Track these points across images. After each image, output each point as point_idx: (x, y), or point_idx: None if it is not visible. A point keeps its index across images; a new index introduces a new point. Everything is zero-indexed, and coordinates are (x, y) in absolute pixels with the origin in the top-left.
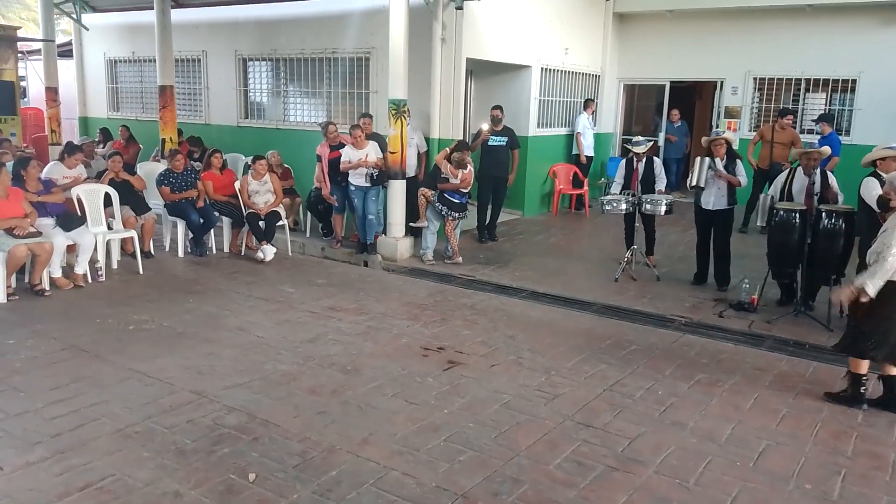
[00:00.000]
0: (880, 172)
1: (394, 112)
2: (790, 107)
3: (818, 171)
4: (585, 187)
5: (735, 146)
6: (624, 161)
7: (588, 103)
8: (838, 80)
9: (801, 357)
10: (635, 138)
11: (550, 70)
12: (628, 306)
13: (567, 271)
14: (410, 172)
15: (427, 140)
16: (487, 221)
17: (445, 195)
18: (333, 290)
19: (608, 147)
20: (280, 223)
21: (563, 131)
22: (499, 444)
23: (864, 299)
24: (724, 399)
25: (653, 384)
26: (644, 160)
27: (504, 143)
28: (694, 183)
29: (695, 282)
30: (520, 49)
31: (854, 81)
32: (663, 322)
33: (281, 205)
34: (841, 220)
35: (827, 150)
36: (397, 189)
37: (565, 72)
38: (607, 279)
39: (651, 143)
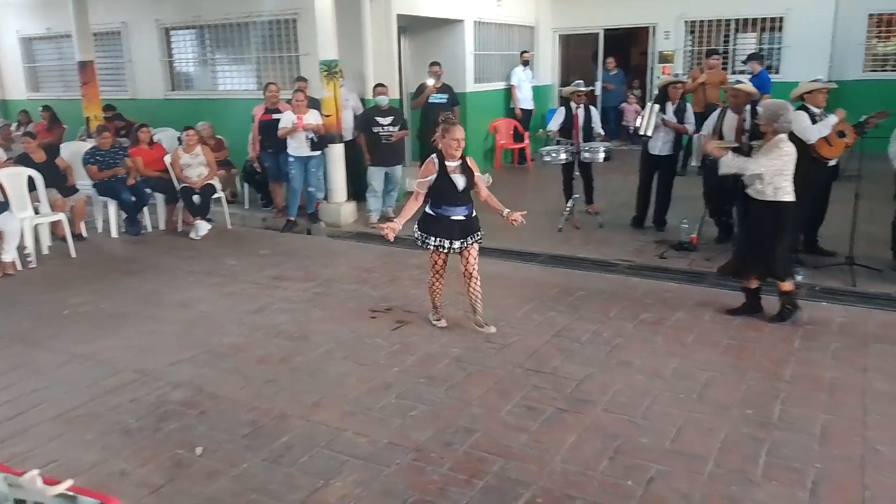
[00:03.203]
0: (807, 105)
1: (325, 73)
2: (719, 48)
3: (748, 108)
4: (526, 141)
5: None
6: (563, 109)
7: (523, 55)
8: (766, 19)
9: (741, 290)
10: (575, 81)
11: (484, 23)
12: (574, 254)
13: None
14: (348, 136)
15: (363, 101)
16: None
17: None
18: (277, 260)
19: (547, 99)
20: (216, 196)
21: (501, 86)
22: (450, 397)
23: (717, 154)
24: (669, 336)
25: (599, 327)
26: (583, 108)
27: (445, 101)
28: (643, 132)
29: (633, 224)
30: (452, 3)
31: (781, 20)
32: (608, 267)
33: (216, 177)
34: None
35: (750, 86)
36: (336, 153)
37: (499, 25)
38: (552, 230)
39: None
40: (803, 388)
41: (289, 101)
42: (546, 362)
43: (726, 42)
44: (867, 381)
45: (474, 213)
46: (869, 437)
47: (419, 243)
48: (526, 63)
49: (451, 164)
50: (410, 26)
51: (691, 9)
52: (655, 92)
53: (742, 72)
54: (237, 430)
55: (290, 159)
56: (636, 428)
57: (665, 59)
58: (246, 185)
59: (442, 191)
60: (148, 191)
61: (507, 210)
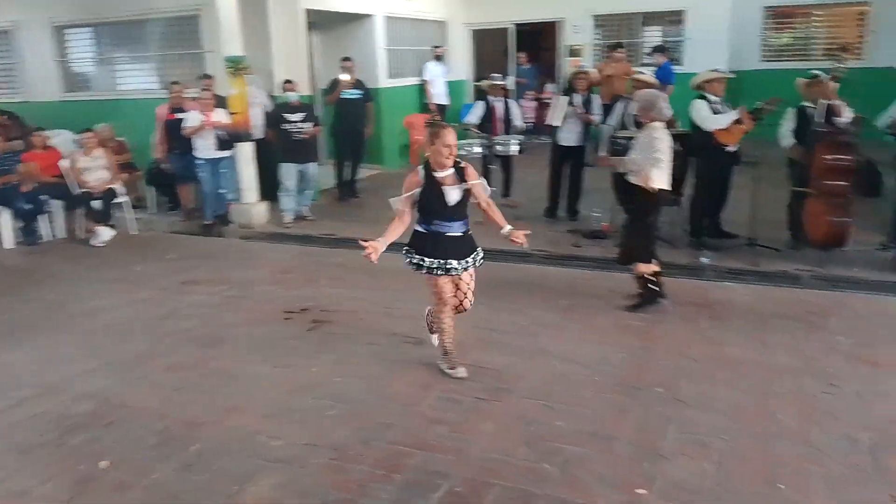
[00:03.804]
0: (705, 94)
1: (231, 70)
2: (625, 41)
3: None
4: None
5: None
6: (481, 102)
7: (436, 50)
8: (670, 12)
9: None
10: (492, 75)
11: (395, 18)
12: (492, 247)
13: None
14: (258, 134)
15: (273, 98)
16: (347, 178)
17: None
18: (187, 265)
19: (462, 94)
20: (119, 201)
21: (415, 81)
22: (369, 394)
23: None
24: (584, 322)
25: (518, 317)
26: (502, 101)
27: (360, 97)
28: (552, 122)
29: (546, 215)
30: None
31: (684, 13)
32: (525, 258)
33: (119, 181)
34: (676, 143)
35: (649, 77)
36: (246, 153)
37: (411, 19)
38: (472, 223)
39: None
40: (710, 366)
41: (195, 100)
42: (465, 354)
43: (635, 35)
44: (769, 355)
45: (470, 231)
46: (771, 409)
47: (413, 267)
48: (439, 58)
49: (441, 174)
50: (320, 21)
51: (599, 3)
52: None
53: (648, 64)
54: (146, 440)
55: (199, 162)
56: (552, 413)
57: (574, 52)
58: (151, 189)
59: (430, 204)
60: (44, 197)
61: (510, 227)
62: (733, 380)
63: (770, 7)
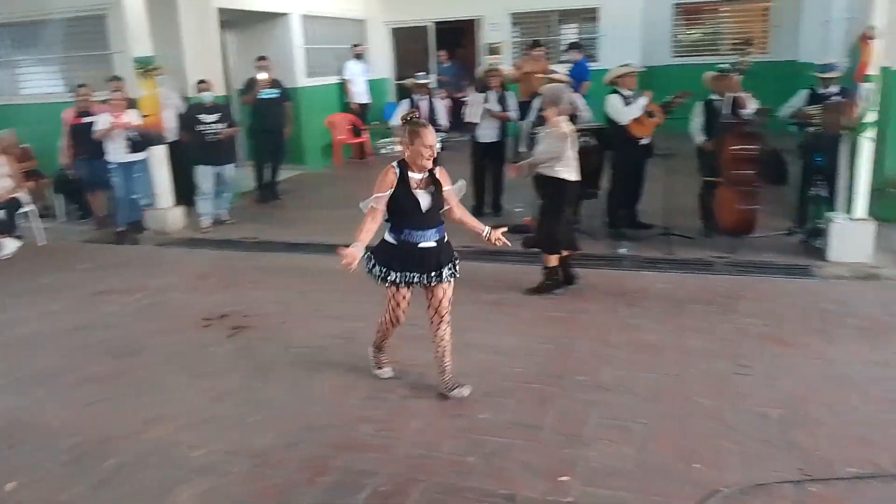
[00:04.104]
0: (619, 89)
1: (141, 71)
2: (540, 39)
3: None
4: (365, 135)
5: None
6: (406, 101)
7: (355, 48)
8: (584, 10)
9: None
10: (418, 74)
11: (312, 17)
12: None
13: (356, 220)
14: (171, 136)
15: (186, 99)
16: (268, 180)
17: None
18: (100, 274)
19: (384, 92)
20: (24, 210)
21: (334, 80)
22: (293, 398)
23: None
24: (508, 314)
25: None
26: (427, 100)
27: (278, 96)
28: (469, 120)
29: (472, 213)
30: None
31: (597, 10)
32: None
33: (23, 190)
34: (592, 137)
35: (562, 75)
36: (159, 156)
37: (328, 18)
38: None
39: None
40: (629, 352)
41: (103, 103)
42: (392, 352)
43: (553, 33)
44: (685, 339)
45: (446, 238)
46: (688, 391)
47: (375, 279)
48: (359, 56)
49: (417, 177)
50: (235, 20)
51: (515, 1)
52: None
53: (565, 61)
54: (58, 458)
55: (111, 166)
56: (478, 405)
57: (494, 50)
58: (60, 197)
59: (403, 210)
60: None
61: (488, 228)
62: (651, 364)
63: (679, 4)
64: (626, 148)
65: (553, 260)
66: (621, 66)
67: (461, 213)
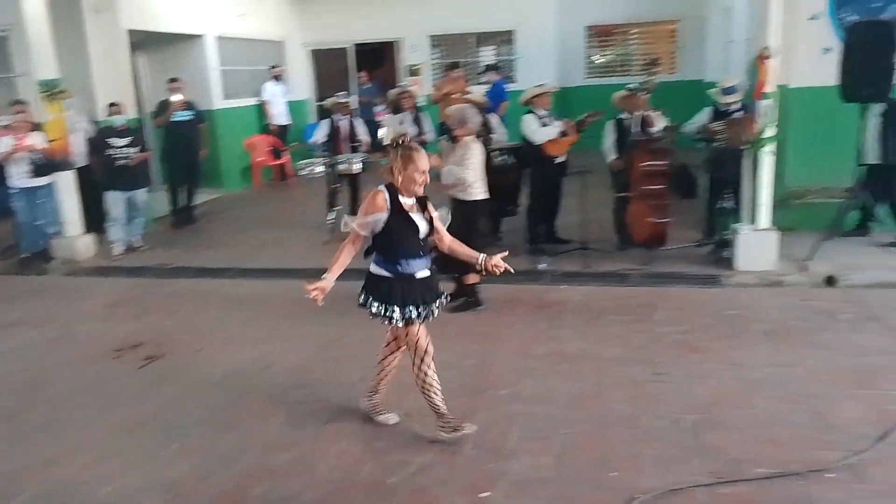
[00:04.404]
0: (534, 109)
1: (46, 95)
2: (461, 60)
3: (482, 115)
4: (286, 156)
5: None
6: (326, 121)
7: (274, 70)
8: (501, 32)
9: (490, 282)
10: (338, 93)
11: (228, 38)
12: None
13: (276, 243)
14: (80, 161)
15: (97, 123)
16: (183, 204)
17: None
18: (4, 306)
19: (304, 113)
20: None
21: (253, 101)
22: (209, 428)
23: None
24: (433, 331)
25: (367, 333)
26: (347, 119)
27: (192, 118)
28: (387, 142)
29: None
30: (189, 18)
31: (514, 33)
32: None
33: None
34: (510, 156)
35: (478, 96)
36: (67, 181)
37: (245, 39)
38: (318, 244)
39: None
40: (549, 363)
41: (6, 128)
42: (311, 375)
43: (472, 55)
44: (602, 349)
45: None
46: (606, 399)
47: (379, 318)
48: (277, 78)
49: (408, 202)
50: (147, 42)
51: (435, 24)
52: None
53: (483, 82)
54: None
55: (13, 191)
56: (399, 425)
57: (414, 71)
58: None
59: (398, 237)
60: None
61: (483, 255)
62: (571, 374)
63: (591, 26)
64: (542, 166)
65: (471, 278)
66: (536, 86)
67: (451, 241)
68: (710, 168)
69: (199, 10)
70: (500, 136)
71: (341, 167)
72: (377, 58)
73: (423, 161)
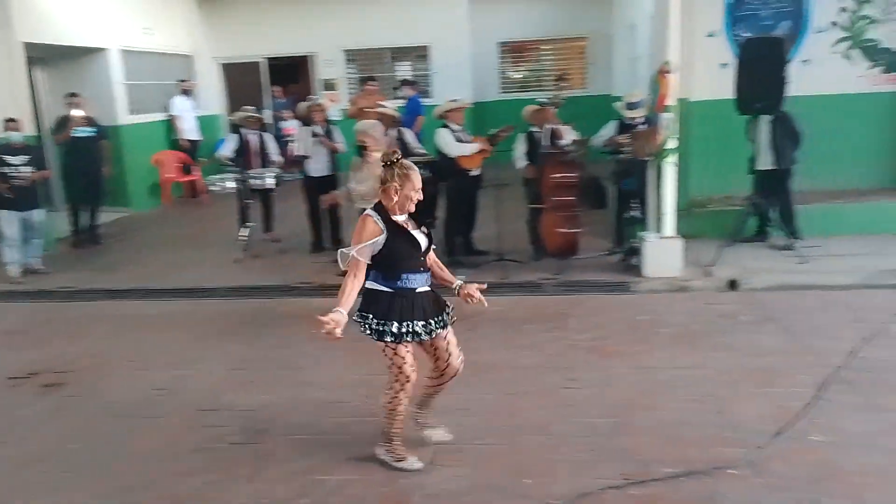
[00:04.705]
0: (448, 124)
1: None
2: (376, 74)
3: (396, 129)
4: (197, 173)
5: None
6: (235, 136)
7: (183, 84)
8: (416, 48)
9: None
10: (245, 108)
11: (133, 52)
12: (254, 283)
13: (187, 262)
14: None
15: None
16: (86, 224)
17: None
18: None
19: (216, 128)
20: None
21: (161, 116)
22: (112, 458)
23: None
24: (349, 349)
25: (281, 352)
26: (257, 134)
27: (94, 134)
28: (298, 153)
29: (313, 250)
30: (92, 31)
31: (428, 49)
32: (289, 291)
33: None
34: (426, 169)
35: (390, 110)
36: None
37: (153, 53)
38: (229, 262)
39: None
40: (467, 374)
41: None
42: (221, 398)
43: (389, 70)
44: (519, 358)
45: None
46: (521, 407)
47: (373, 335)
48: (187, 92)
49: (401, 220)
50: (47, 56)
51: (349, 39)
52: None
53: (399, 97)
54: None
55: None
56: (313, 445)
57: (329, 86)
58: None
59: (399, 255)
60: None
61: (459, 281)
62: (486, 385)
63: (504, 42)
64: (457, 179)
65: None
66: (449, 101)
67: (434, 262)
68: (616, 179)
69: (102, 22)
70: (416, 150)
71: (255, 182)
72: (292, 72)
73: (419, 179)
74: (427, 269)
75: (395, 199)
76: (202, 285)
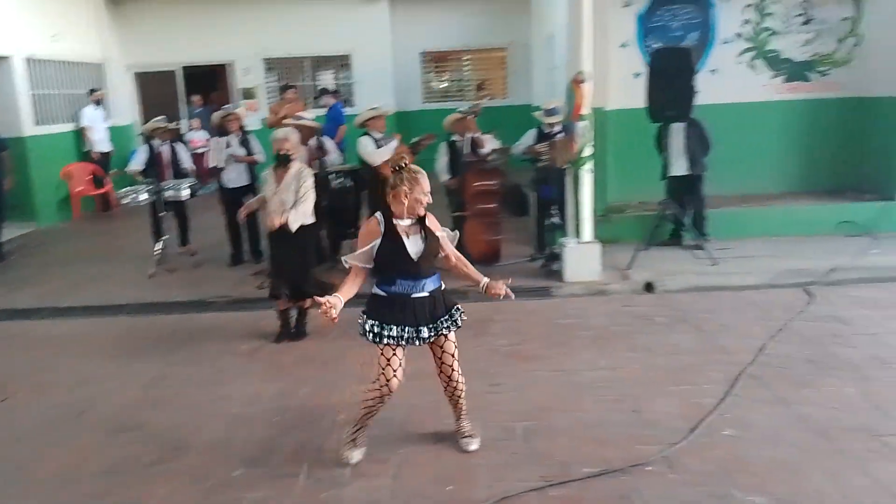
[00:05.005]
0: (369, 132)
1: None
2: (296, 83)
3: (316, 139)
4: (108, 185)
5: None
6: (145, 147)
7: (93, 94)
8: (338, 56)
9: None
10: (156, 119)
11: (39, 60)
12: (167, 299)
13: (98, 277)
14: None
15: None
16: None
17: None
18: None
19: (129, 139)
20: None
21: (70, 127)
22: (15, 485)
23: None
24: (268, 362)
25: (196, 368)
26: (168, 145)
27: None
28: (212, 164)
29: (232, 262)
30: None
31: (349, 57)
32: (205, 306)
33: None
34: (348, 178)
35: (309, 121)
36: None
37: (60, 62)
38: (143, 277)
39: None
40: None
41: None
42: (135, 418)
43: (311, 78)
44: None
45: (443, 286)
46: (441, 413)
47: (367, 336)
48: (98, 102)
49: (404, 224)
50: None
51: (268, 46)
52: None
53: (320, 106)
54: None
55: None
56: (232, 461)
57: (248, 95)
58: None
59: (390, 260)
60: None
61: (486, 280)
62: (408, 393)
63: (425, 52)
64: (379, 187)
65: (279, 304)
66: (370, 108)
67: (457, 261)
68: (537, 187)
69: (5, 29)
70: (336, 159)
71: (168, 194)
72: (210, 81)
73: (427, 183)
74: (426, 275)
75: (406, 202)
76: (114, 302)
